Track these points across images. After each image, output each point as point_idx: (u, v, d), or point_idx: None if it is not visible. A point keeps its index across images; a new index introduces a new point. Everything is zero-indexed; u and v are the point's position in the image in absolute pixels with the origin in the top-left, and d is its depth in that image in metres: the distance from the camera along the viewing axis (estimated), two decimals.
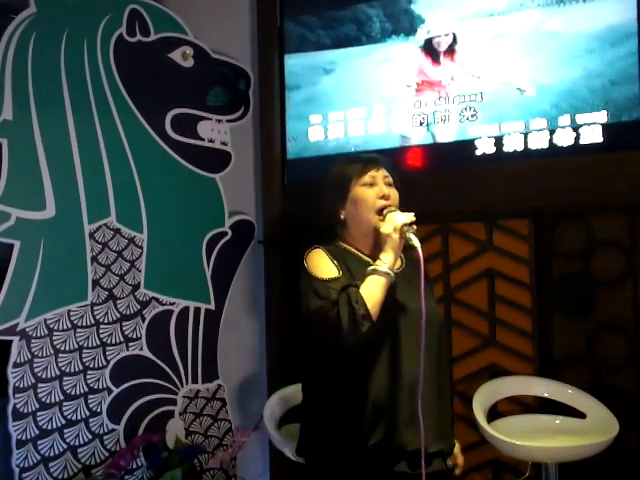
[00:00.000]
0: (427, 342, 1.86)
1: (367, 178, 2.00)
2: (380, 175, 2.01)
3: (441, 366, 1.98)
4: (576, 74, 2.79)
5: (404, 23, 3.14)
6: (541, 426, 2.68)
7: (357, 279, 1.89)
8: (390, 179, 2.04)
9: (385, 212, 1.95)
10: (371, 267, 1.86)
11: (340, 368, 1.91)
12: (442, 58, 3.05)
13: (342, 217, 2.04)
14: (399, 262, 2.01)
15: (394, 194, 2.01)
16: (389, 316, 1.88)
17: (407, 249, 1.97)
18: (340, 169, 2.08)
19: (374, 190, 1.99)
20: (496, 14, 2.95)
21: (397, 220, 1.88)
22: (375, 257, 1.92)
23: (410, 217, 1.90)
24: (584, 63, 2.78)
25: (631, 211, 2.79)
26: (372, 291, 1.83)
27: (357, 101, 3.24)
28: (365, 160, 2.07)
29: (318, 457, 1.97)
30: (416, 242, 1.85)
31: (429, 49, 3.08)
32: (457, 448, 2.07)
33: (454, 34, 3.02)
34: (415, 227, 1.89)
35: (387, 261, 1.85)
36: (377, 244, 1.96)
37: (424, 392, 1.84)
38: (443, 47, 3.05)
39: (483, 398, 2.64)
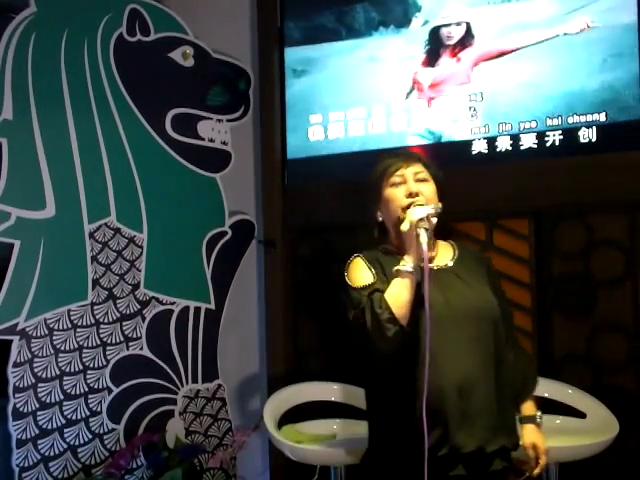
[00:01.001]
0: (473, 336, 1.83)
1: (396, 178, 1.95)
2: (410, 172, 1.95)
3: (501, 361, 1.89)
4: (577, 75, 2.79)
5: (396, 12, 2.99)
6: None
7: None
8: (424, 174, 1.96)
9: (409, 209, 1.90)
10: (395, 268, 1.82)
11: (385, 373, 1.88)
12: (446, 55, 2.98)
13: (380, 219, 2.02)
14: (450, 255, 1.99)
15: (427, 189, 1.94)
16: (432, 314, 1.80)
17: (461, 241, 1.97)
18: (375, 170, 2.03)
19: (402, 189, 1.94)
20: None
21: (412, 216, 1.82)
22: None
23: (427, 210, 1.82)
24: (584, 64, 2.78)
25: (631, 211, 2.79)
26: (397, 293, 1.79)
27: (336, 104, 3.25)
28: (396, 157, 2.01)
29: (379, 464, 1.95)
30: (423, 239, 1.78)
31: (433, 45, 2.98)
32: (540, 442, 2.01)
33: (468, 24, 2.90)
34: (435, 220, 1.83)
35: (409, 260, 1.81)
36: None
37: (472, 389, 1.81)
38: (454, 39, 2.94)
39: None
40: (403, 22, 3.07)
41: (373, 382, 1.96)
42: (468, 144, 2.98)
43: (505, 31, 2.90)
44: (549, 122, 2.84)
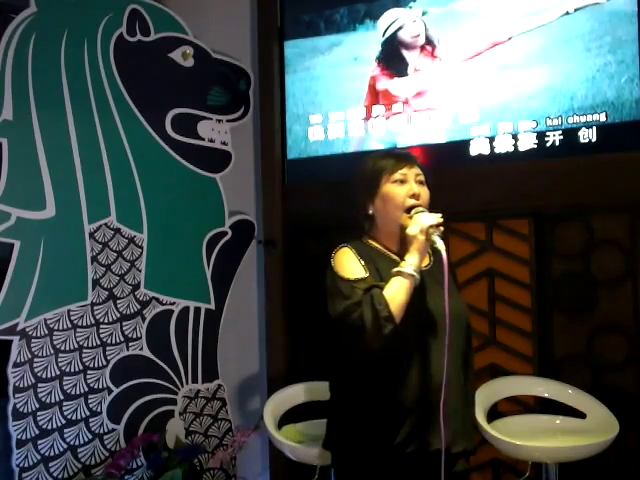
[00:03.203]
0: (454, 341, 1.87)
1: (398, 175, 1.96)
2: (412, 173, 1.97)
3: (468, 366, 1.97)
4: (577, 75, 2.79)
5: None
6: (541, 426, 2.67)
7: (385, 278, 1.88)
8: (422, 177, 1.98)
9: (413, 212, 1.91)
10: (396, 269, 1.84)
11: (367, 368, 1.90)
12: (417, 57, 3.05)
13: (370, 213, 2.02)
14: (427, 260, 2.00)
15: (425, 193, 1.97)
16: (417, 316, 1.86)
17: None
18: (372, 164, 2.03)
19: (404, 188, 1.95)
20: None
21: (424, 221, 1.84)
22: (402, 255, 1.91)
23: (437, 218, 1.86)
24: (585, 64, 2.78)
25: (631, 211, 2.79)
26: (396, 293, 1.81)
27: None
28: (398, 156, 2.03)
29: (346, 453, 1.97)
30: (441, 245, 1.82)
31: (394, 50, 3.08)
32: None
33: (424, 22, 3.00)
34: (442, 229, 1.86)
35: (412, 262, 1.82)
36: (404, 242, 1.93)
37: (450, 393, 1.83)
38: (420, 40, 3.03)
39: (483, 398, 2.64)
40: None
41: (348, 376, 1.96)
42: (468, 144, 2.98)
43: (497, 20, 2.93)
44: (549, 122, 2.84)
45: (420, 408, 1.85)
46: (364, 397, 1.91)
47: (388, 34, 3.09)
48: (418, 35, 3.04)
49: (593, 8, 2.77)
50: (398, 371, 1.86)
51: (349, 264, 1.93)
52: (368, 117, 3.17)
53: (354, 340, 1.84)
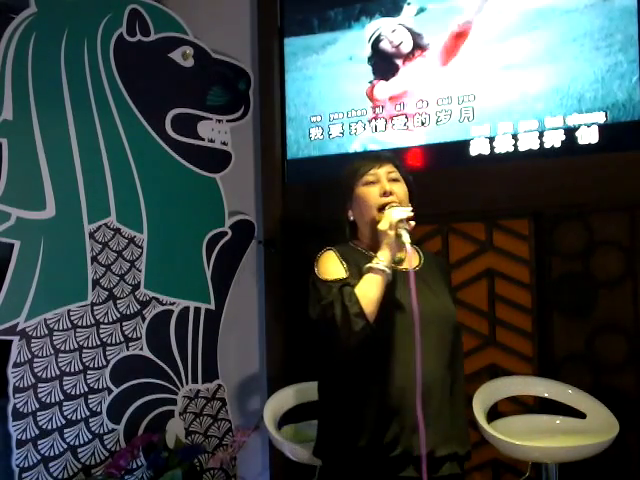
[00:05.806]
0: (436, 342, 1.87)
1: (369, 177, 1.98)
2: (383, 172, 1.98)
3: (455, 367, 1.94)
4: (577, 75, 2.79)
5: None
6: (541, 426, 2.67)
7: None
8: (396, 174, 1.99)
9: (387, 208, 1.93)
10: (367, 265, 1.84)
11: (347, 369, 1.90)
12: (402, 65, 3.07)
13: (351, 218, 2.04)
14: (417, 260, 2.00)
15: (399, 189, 1.97)
16: (396, 315, 1.86)
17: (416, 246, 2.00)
18: (347, 169, 2.07)
19: (376, 188, 1.97)
20: None
21: (393, 216, 1.85)
22: None
23: (407, 212, 1.87)
24: (585, 64, 2.78)
25: (631, 211, 2.79)
26: (367, 289, 1.81)
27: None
28: (368, 158, 2.05)
29: (332, 459, 1.96)
30: (406, 239, 1.81)
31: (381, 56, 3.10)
32: None
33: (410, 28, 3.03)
34: (413, 223, 1.86)
35: (384, 258, 1.83)
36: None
37: (431, 394, 1.83)
38: (405, 48, 3.06)
39: (483, 398, 2.64)
40: (392, 10, 3.11)
41: (332, 377, 1.96)
42: (468, 144, 2.98)
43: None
44: (549, 122, 2.84)
45: (404, 410, 1.83)
46: (346, 399, 1.91)
47: (372, 44, 3.14)
48: (400, 44, 3.06)
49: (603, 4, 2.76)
50: (379, 371, 1.84)
51: (330, 266, 1.94)
52: (368, 118, 3.16)
53: (332, 340, 1.84)
